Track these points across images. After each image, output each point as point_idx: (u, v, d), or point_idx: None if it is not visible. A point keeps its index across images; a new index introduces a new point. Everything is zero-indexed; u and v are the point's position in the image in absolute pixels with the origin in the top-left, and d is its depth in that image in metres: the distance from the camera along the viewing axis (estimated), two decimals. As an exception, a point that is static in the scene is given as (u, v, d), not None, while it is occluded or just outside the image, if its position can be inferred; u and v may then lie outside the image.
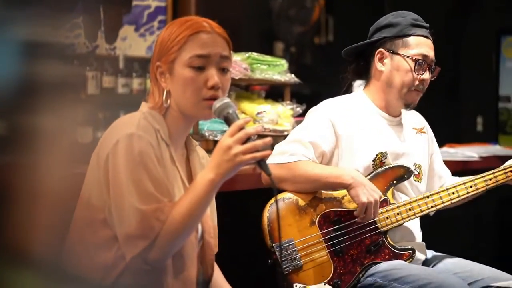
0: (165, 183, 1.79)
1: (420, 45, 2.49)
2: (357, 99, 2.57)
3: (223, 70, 1.85)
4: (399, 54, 2.49)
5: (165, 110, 1.87)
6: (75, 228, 1.85)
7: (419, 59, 2.47)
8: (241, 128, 1.72)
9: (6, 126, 1.16)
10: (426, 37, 2.52)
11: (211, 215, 1.99)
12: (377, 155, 2.48)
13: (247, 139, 1.72)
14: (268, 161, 2.41)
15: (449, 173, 2.73)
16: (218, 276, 2.08)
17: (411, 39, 2.50)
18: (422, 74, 2.48)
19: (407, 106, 2.54)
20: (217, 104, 1.80)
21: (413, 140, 2.61)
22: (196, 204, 1.75)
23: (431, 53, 2.50)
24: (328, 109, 2.51)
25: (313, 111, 2.54)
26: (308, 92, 4.90)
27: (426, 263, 2.57)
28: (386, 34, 2.53)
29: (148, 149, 1.77)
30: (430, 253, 2.62)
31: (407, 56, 2.48)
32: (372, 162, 2.47)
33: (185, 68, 1.83)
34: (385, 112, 2.55)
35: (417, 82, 2.48)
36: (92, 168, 1.83)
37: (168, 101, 1.85)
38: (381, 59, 2.53)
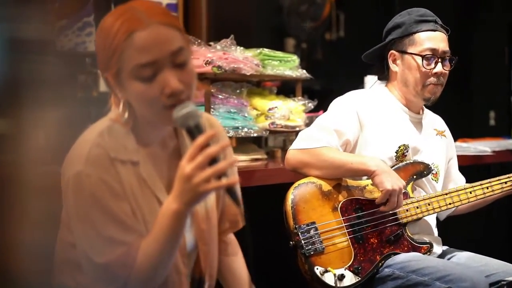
0: (129, 220, 1.57)
1: (427, 40, 2.50)
2: (381, 93, 2.61)
3: (180, 66, 1.55)
4: (408, 53, 2.52)
5: (130, 119, 1.61)
6: (57, 246, 1.70)
7: (426, 54, 2.49)
8: (202, 148, 1.46)
9: (9, 123, 1.16)
10: (434, 30, 2.53)
11: (207, 213, 1.76)
12: (400, 147, 2.50)
13: (212, 161, 1.46)
14: (292, 147, 2.46)
15: (464, 180, 2.75)
16: (232, 260, 1.95)
17: (416, 36, 2.51)
18: (433, 68, 2.49)
19: (427, 101, 2.55)
20: (178, 113, 1.52)
21: (433, 140, 2.64)
22: (163, 240, 1.54)
23: (441, 45, 2.50)
24: (353, 98, 2.54)
25: (338, 100, 2.57)
26: (319, 88, 4.90)
27: (441, 257, 2.56)
28: (394, 35, 2.56)
29: (100, 188, 1.55)
30: (445, 248, 2.62)
31: (415, 54, 2.50)
32: (395, 154, 2.50)
33: (133, 81, 1.53)
34: (407, 108, 2.58)
35: (430, 77, 2.50)
36: (62, 187, 1.63)
37: (126, 114, 1.59)
38: (394, 61, 2.57)
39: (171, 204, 1.53)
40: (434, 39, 2.51)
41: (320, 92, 4.73)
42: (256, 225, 2.67)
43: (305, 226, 2.34)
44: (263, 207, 2.60)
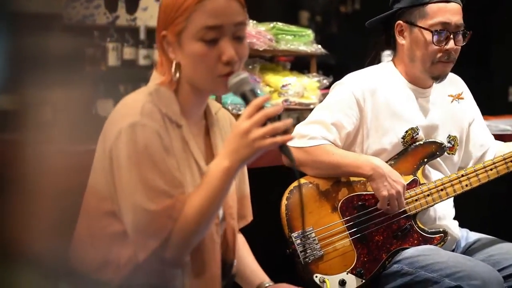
0: (177, 174, 1.62)
1: (439, 12, 2.28)
2: (385, 71, 2.40)
3: (238, 39, 1.62)
4: (417, 26, 2.31)
5: (176, 84, 1.66)
6: (83, 220, 1.69)
7: (437, 30, 2.28)
8: (260, 108, 1.52)
9: (15, 101, 1.11)
10: (447, 1, 2.29)
11: (232, 194, 1.81)
12: (407, 132, 2.32)
13: (266, 121, 1.52)
14: (288, 143, 2.31)
15: (492, 138, 2.53)
16: (245, 252, 1.94)
17: (427, 8, 2.29)
18: (445, 44, 2.30)
19: (436, 79, 2.35)
20: (232, 80, 1.60)
21: (448, 109, 2.43)
22: (211, 196, 1.58)
23: (454, 19, 2.29)
24: (352, 83, 2.33)
25: (336, 86, 2.37)
26: (334, 63, 4.78)
27: (459, 245, 2.44)
28: (403, 4, 2.34)
29: (154, 139, 1.59)
30: (464, 233, 2.48)
31: (425, 28, 2.29)
32: (402, 139, 2.32)
33: (195, 42, 1.60)
34: (414, 84, 2.38)
35: (440, 54, 2.30)
36: (99, 154, 1.65)
37: (177, 74, 1.65)
38: (401, 32, 2.35)
39: (222, 161, 1.56)
40: (447, 11, 2.29)
41: (335, 67, 4.61)
42: (267, 209, 2.58)
43: (301, 233, 2.21)
44: (274, 190, 2.49)
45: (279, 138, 1.52)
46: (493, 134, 3.27)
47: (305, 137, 2.26)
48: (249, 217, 1.91)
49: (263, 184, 2.51)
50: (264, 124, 1.52)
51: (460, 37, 2.32)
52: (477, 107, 2.55)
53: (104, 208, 1.66)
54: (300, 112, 3.21)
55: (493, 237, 2.45)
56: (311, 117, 2.32)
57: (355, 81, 2.34)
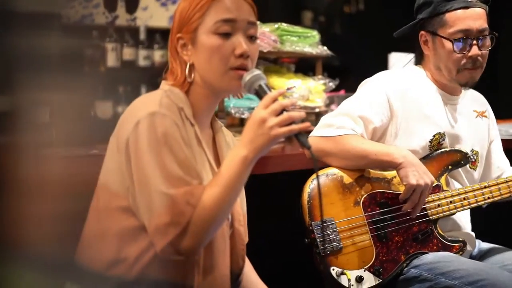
0: (193, 164, 1.64)
1: (458, 19, 2.24)
2: (414, 74, 2.36)
3: (250, 38, 1.69)
4: (438, 35, 2.27)
5: (188, 86, 1.71)
6: (93, 219, 1.70)
7: (457, 38, 2.23)
8: (275, 100, 1.56)
9: (10, 102, 1.10)
10: (466, 7, 2.24)
11: (240, 202, 1.82)
12: (434, 136, 2.27)
13: (282, 110, 1.55)
14: (312, 134, 2.22)
15: (508, 163, 2.51)
16: (249, 270, 1.92)
17: (447, 16, 2.25)
18: (467, 52, 2.24)
19: (464, 86, 2.32)
20: (247, 76, 1.64)
21: (473, 123, 2.40)
22: (230, 185, 1.59)
23: (476, 24, 2.23)
24: (384, 81, 2.29)
25: (367, 82, 2.32)
26: (338, 64, 4.69)
27: (473, 255, 2.36)
28: (424, 15, 2.30)
29: (173, 128, 1.61)
30: (477, 243, 2.41)
31: (445, 37, 2.25)
32: (429, 143, 2.27)
33: (210, 35, 1.67)
34: (443, 90, 2.34)
35: (464, 61, 2.25)
36: (112, 152, 1.66)
37: (192, 75, 1.69)
38: (425, 42, 2.32)
39: (241, 151, 1.58)
40: (467, 18, 2.24)
41: (340, 69, 4.53)
42: (272, 215, 2.50)
43: (321, 222, 2.14)
44: (278, 197, 2.41)
45: (295, 126, 1.54)
46: (503, 139, 3.18)
47: (332, 126, 2.21)
48: (246, 238, 1.88)
49: (279, 185, 2.44)
50: (279, 114, 1.54)
51: (486, 41, 2.27)
52: (497, 128, 2.53)
53: (116, 204, 1.66)
54: (305, 116, 3.13)
55: (505, 247, 2.40)
56: (339, 109, 2.28)
57: (387, 80, 2.31)
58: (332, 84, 3.00)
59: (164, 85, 1.72)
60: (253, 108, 2.80)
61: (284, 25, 2.92)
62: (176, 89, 1.70)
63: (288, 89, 2.86)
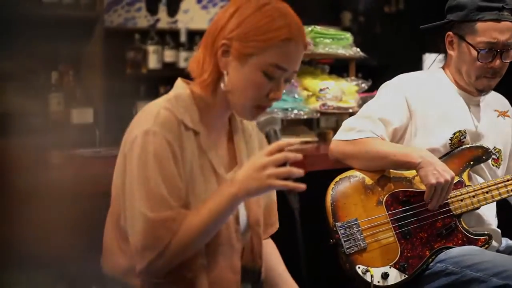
0: (181, 185, 1.63)
1: (488, 31, 2.28)
2: (435, 76, 2.41)
3: (286, 81, 1.68)
4: (465, 41, 2.31)
5: (211, 88, 1.67)
6: (109, 224, 1.73)
7: (483, 49, 2.27)
8: (281, 150, 1.57)
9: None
10: (497, 20, 2.28)
11: (257, 199, 1.80)
12: (455, 134, 2.32)
13: (283, 164, 1.56)
14: (336, 137, 2.31)
15: None
16: (275, 260, 1.92)
17: (477, 26, 2.29)
18: (490, 62, 2.28)
19: (480, 92, 2.36)
20: (262, 117, 1.65)
21: (494, 123, 2.43)
22: (214, 217, 1.61)
23: (503, 37, 2.27)
24: (402, 83, 2.36)
25: (386, 85, 2.40)
26: (376, 64, 4.72)
27: (500, 252, 2.38)
28: (454, 17, 2.34)
29: (163, 147, 1.61)
30: (505, 241, 2.43)
31: (472, 45, 2.29)
32: (449, 141, 2.31)
33: (258, 71, 1.63)
34: (464, 91, 2.39)
35: (485, 70, 2.30)
36: (119, 159, 1.68)
37: (222, 86, 1.65)
38: (450, 42, 2.37)
39: (231, 187, 1.59)
40: (495, 30, 2.28)
41: (377, 68, 4.55)
42: (306, 214, 2.55)
43: (345, 223, 2.21)
44: (313, 196, 2.46)
45: (291, 184, 1.56)
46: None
47: (352, 130, 2.29)
48: (276, 225, 1.90)
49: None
50: (281, 165, 1.56)
51: (509, 53, 2.31)
52: None
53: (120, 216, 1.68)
54: (338, 116, 3.18)
55: None
56: (360, 113, 2.35)
57: (405, 81, 2.37)
58: (364, 85, 3.04)
59: (177, 87, 1.70)
60: (287, 109, 2.87)
61: (318, 28, 2.97)
62: (184, 96, 1.67)
63: (321, 90, 2.91)
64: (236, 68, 1.64)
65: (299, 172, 1.56)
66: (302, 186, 1.56)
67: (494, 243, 2.33)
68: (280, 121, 1.67)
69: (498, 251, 2.38)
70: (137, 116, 1.68)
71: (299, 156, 1.58)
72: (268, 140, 1.63)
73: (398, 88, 2.34)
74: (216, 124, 1.74)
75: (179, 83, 1.72)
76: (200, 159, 1.68)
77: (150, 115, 1.63)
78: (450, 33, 2.36)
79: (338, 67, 3.34)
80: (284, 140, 1.61)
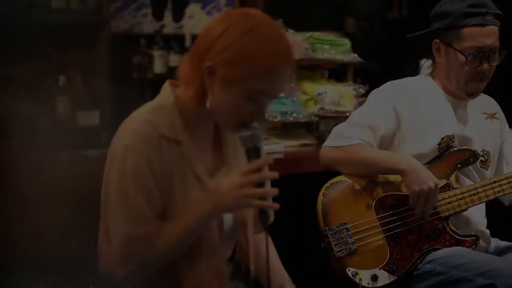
0: (159, 201, 1.66)
1: (474, 36, 2.34)
2: (422, 82, 2.48)
3: (270, 99, 1.70)
4: (452, 47, 2.37)
5: (198, 100, 1.67)
6: (102, 230, 1.75)
7: (471, 54, 2.33)
8: (259, 170, 1.61)
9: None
10: (483, 25, 2.34)
11: None
12: (443, 138, 2.38)
13: (262, 183, 1.61)
14: (325, 143, 2.40)
15: None
16: (271, 256, 1.89)
17: (464, 32, 2.35)
18: (478, 66, 2.35)
19: (470, 96, 2.43)
20: (247, 132, 1.66)
21: (483, 125, 2.49)
22: (187, 231, 1.65)
23: (489, 41, 2.34)
24: (390, 90, 2.43)
25: (374, 93, 2.47)
26: (376, 69, 4.78)
27: (489, 252, 2.45)
28: (440, 25, 2.40)
29: (141, 163, 1.62)
30: (495, 242, 2.50)
31: (459, 51, 2.35)
32: (438, 146, 2.38)
33: (242, 96, 1.63)
34: (451, 96, 2.45)
35: (474, 74, 2.36)
36: (108, 165, 1.70)
37: (208, 104, 1.65)
38: (437, 50, 2.42)
39: (205, 203, 1.64)
40: (481, 35, 2.34)
41: (378, 73, 4.61)
42: (305, 215, 2.62)
43: (335, 227, 2.29)
44: (313, 196, 2.53)
45: (266, 204, 1.60)
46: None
47: (341, 137, 2.36)
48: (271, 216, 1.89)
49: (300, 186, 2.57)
50: (258, 186, 1.60)
51: (496, 56, 2.37)
52: (510, 130, 2.60)
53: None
54: (337, 120, 3.25)
55: None
56: (349, 119, 2.43)
57: (393, 88, 2.44)
58: (362, 90, 3.13)
59: (165, 92, 1.70)
60: (285, 112, 2.95)
61: (316, 34, 3.06)
62: (168, 104, 1.67)
63: (319, 94, 3.00)
64: (220, 89, 1.64)
65: (273, 191, 1.61)
66: (276, 206, 1.61)
67: (482, 244, 2.39)
68: (263, 138, 1.69)
69: (487, 251, 2.45)
70: (121, 126, 1.68)
71: (275, 175, 1.61)
72: (248, 157, 1.64)
73: (386, 95, 2.41)
74: (202, 129, 1.75)
75: (166, 89, 1.72)
76: (181, 168, 1.68)
77: (131, 129, 1.64)
78: (437, 40, 2.41)
79: (338, 73, 3.41)
80: (264, 158, 1.63)
